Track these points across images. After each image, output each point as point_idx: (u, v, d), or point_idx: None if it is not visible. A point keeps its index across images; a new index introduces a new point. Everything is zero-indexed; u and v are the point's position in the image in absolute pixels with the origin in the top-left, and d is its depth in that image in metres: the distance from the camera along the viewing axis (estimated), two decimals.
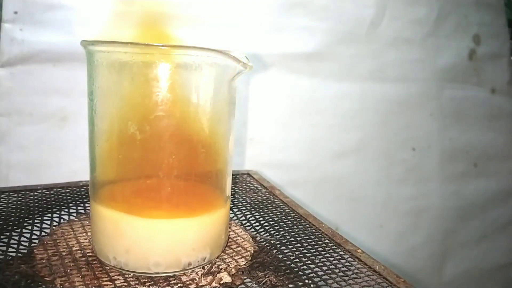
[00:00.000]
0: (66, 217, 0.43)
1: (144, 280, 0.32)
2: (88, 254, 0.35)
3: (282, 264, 0.36)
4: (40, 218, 0.42)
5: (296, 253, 0.38)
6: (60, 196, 0.48)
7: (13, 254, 0.35)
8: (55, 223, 0.42)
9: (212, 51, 0.32)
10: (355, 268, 0.35)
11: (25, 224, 0.41)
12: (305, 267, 0.35)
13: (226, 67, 0.34)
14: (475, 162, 1.02)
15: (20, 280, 0.31)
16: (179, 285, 0.32)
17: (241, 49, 0.35)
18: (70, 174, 0.54)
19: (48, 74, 0.60)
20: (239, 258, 0.37)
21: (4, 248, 0.36)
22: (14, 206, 0.44)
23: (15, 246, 0.37)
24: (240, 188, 0.54)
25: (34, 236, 0.39)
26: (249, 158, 0.75)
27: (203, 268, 0.35)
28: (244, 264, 0.36)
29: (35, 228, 0.40)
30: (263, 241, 0.40)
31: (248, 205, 0.49)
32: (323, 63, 0.80)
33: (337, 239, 0.40)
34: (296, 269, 0.35)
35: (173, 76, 0.32)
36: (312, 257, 0.37)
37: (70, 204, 0.46)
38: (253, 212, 0.47)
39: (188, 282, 0.32)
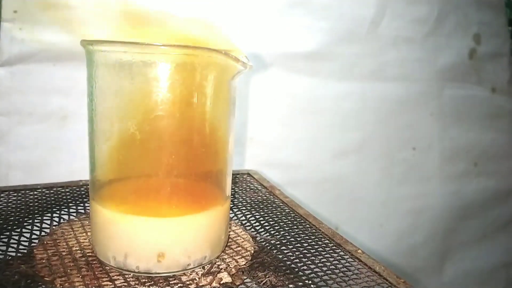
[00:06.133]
0: (66, 217, 0.43)
1: (144, 280, 0.32)
2: (88, 254, 0.35)
3: (282, 264, 0.36)
4: (40, 218, 0.42)
5: (296, 253, 0.38)
6: (60, 196, 0.48)
7: (13, 254, 0.35)
8: (55, 223, 0.42)
9: (212, 50, 0.32)
10: (355, 269, 0.35)
11: (25, 223, 0.41)
12: (305, 267, 0.35)
13: (226, 67, 0.34)
14: (475, 162, 1.02)
15: (20, 280, 0.31)
16: (179, 285, 0.32)
17: (241, 48, 0.35)
18: (70, 173, 0.54)
19: (48, 74, 0.60)
20: (239, 258, 0.37)
21: (4, 248, 0.36)
22: (14, 206, 0.44)
23: (15, 246, 0.37)
24: (240, 188, 0.54)
25: (34, 236, 0.39)
26: (249, 158, 0.75)
27: (203, 268, 0.35)
28: (244, 264, 0.35)
29: (35, 228, 0.40)
30: (263, 241, 0.40)
31: (248, 205, 0.49)
32: (323, 63, 0.79)
33: (337, 240, 0.40)
34: (296, 270, 0.35)
35: (173, 75, 0.32)
36: (312, 258, 0.37)
37: (70, 204, 0.46)
38: (253, 212, 0.47)
39: (188, 282, 0.32)
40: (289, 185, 0.73)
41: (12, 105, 0.59)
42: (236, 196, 0.51)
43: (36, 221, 0.41)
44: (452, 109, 0.97)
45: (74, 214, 0.44)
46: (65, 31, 0.59)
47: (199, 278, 0.33)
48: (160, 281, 0.32)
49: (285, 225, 0.43)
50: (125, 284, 0.32)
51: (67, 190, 0.50)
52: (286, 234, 0.41)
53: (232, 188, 0.46)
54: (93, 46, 0.32)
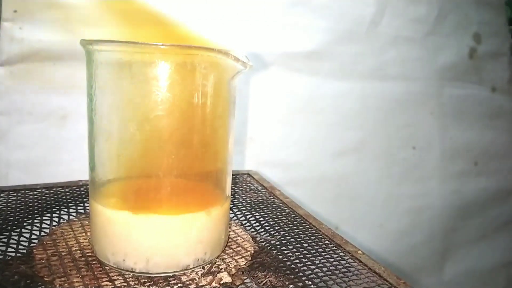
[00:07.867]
0: (65, 217, 0.43)
1: (143, 280, 0.32)
2: (87, 254, 0.35)
3: (282, 264, 0.35)
4: (39, 218, 0.42)
5: (296, 253, 0.37)
6: (59, 196, 0.48)
7: (13, 254, 0.35)
8: (54, 223, 0.42)
9: (212, 50, 0.32)
10: (355, 270, 0.35)
11: (24, 224, 0.41)
12: (305, 268, 0.35)
13: (226, 67, 0.33)
14: (476, 161, 1.02)
15: (20, 281, 0.31)
16: (179, 285, 0.32)
17: (241, 48, 0.35)
18: (70, 173, 0.54)
19: (47, 73, 0.60)
20: (239, 258, 0.36)
21: (3, 248, 0.36)
22: (13, 206, 0.44)
23: (15, 246, 0.37)
24: (240, 188, 0.54)
25: (33, 236, 0.39)
26: (249, 157, 0.75)
27: (203, 268, 0.34)
28: (244, 264, 0.35)
29: (34, 228, 0.40)
30: (263, 242, 0.40)
31: (248, 205, 0.49)
32: (323, 62, 0.79)
33: (337, 240, 0.40)
34: (296, 270, 0.35)
35: (173, 75, 0.32)
36: (312, 258, 0.37)
37: (70, 204, 0.46)
38: (253, 212, 0.47)
39: (188, 282, 0.32)
40: (289, 184, 0.73)
41: (12, 105, 0.59)
42: (236, 196, 0.51)
43: (35, 221, 0.41)
44: (452, 109, 0.97)
45: (74, 214, 0.44)
46: (65, 30, 0.58)
47: (199, 278, 0.33)
48: (160, 281, 0.32)
49: (285, 226, 0.43)
50: (125, 284, 0.32)
51: (66, 190, 0.50)
52: (286, 234, 0.41)
53: (232, 188, 0.46)
54: (92, 45, 0.32)
